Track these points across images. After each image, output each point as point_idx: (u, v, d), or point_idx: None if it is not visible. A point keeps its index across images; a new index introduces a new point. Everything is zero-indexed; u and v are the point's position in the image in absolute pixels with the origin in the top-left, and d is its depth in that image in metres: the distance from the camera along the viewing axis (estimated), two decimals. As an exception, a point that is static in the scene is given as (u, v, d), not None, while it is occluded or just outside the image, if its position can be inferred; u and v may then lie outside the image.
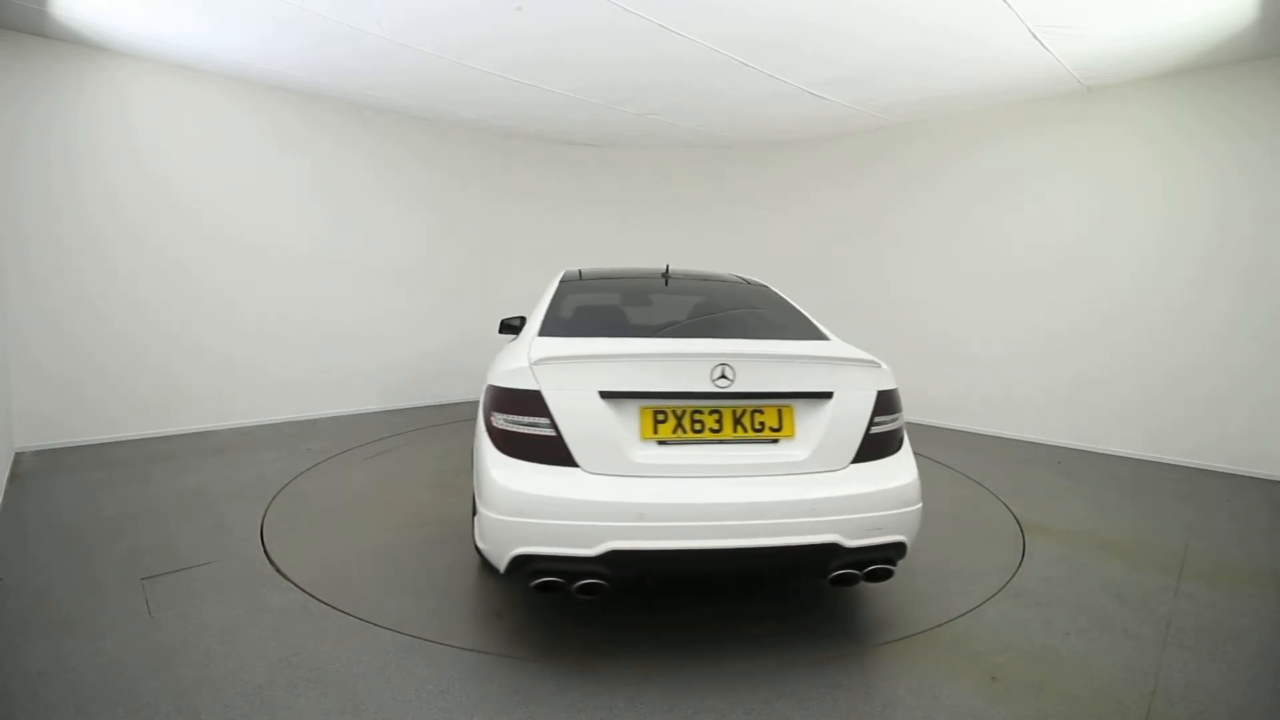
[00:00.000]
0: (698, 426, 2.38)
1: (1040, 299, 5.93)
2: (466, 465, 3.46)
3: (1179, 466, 5.19)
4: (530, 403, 2.34)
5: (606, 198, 8.27)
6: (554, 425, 2.31)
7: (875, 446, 2.47)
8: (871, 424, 2.46)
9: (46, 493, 4.12)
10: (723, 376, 2.34)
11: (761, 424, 2.40)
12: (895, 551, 2.41)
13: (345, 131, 6.50)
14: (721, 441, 2.39)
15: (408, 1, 4.10)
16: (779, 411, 2.42)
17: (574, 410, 2.32)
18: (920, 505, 2.47)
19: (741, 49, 4.74)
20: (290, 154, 6.19)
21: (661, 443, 2.36)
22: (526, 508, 2.24)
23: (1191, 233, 5.16)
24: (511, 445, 2.36)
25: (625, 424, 2.34)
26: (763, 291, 3.43)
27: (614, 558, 2.19)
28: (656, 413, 2.37)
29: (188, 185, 5.63)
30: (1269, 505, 4.35)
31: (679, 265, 3.75)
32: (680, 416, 2.38)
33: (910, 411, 6.80)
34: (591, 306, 3.21)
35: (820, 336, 2.90)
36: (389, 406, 6.90)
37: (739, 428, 2.39)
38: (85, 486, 4.25)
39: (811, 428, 2.41)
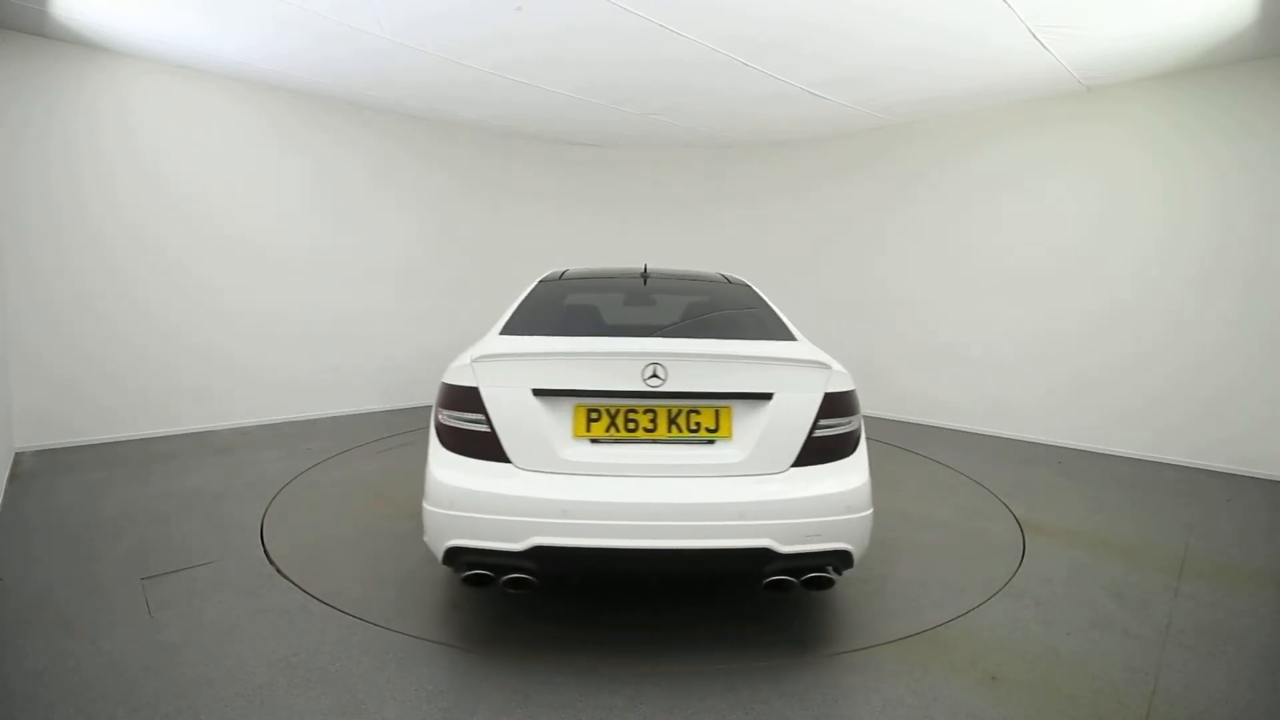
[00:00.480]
0: (631, 426, 2.37)
1: (1041, 299, 5.93)
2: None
3: (1179, 466, 5.19)
4: (469, 399, 2.39)
5: (606, 198, 8.28)
6: (489, 422, 2.36)
7: (820, 450, 2.39)
8: (815, 427, 2.38)
9: (47, 492, 4.12)
10: (654, 376, 2.33)
11: (697, 424, 2.38)
12: (837, 560, 2.32)
13: (345, 131, 6.50)
14: (655, 441, 2.37)
15: (407, 1, 4.10)
16: (716, 412, 2.38)
17: (508, 407, 2.36)
18: (869, 512, 2.39)
19: (742, 49, 4.74)
20: (290, 154, 6.19)
21: (594, 441, 2.37)
22: (459, 501, 2.29)
23: (1192, 233, 5.16)
24: (452, 441, 2.42)
25: (558, 421, 2.36)
26: (742, 291, 3.36)
27: (539, 553, 2.22)
28: (590, 411, 2.37)
29: (188, 185, 5.63)
30: (1269, 505, 4.35)
31: (671, 266, 3.75)
32: (614, 415, 2.38)
33: (911, 412, 6.88)
34: (561, 306, 3.21)
35: (788, 337, 2.83)
36: (389, 406, 6.90)
37: (674, 428, 2.37)
38: (85, 486, 4.25)
39: (750, 429, 2.36)
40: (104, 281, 5.30)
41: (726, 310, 3.17)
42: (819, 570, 2.31)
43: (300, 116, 6.20)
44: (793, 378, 2.42)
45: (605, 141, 7.82)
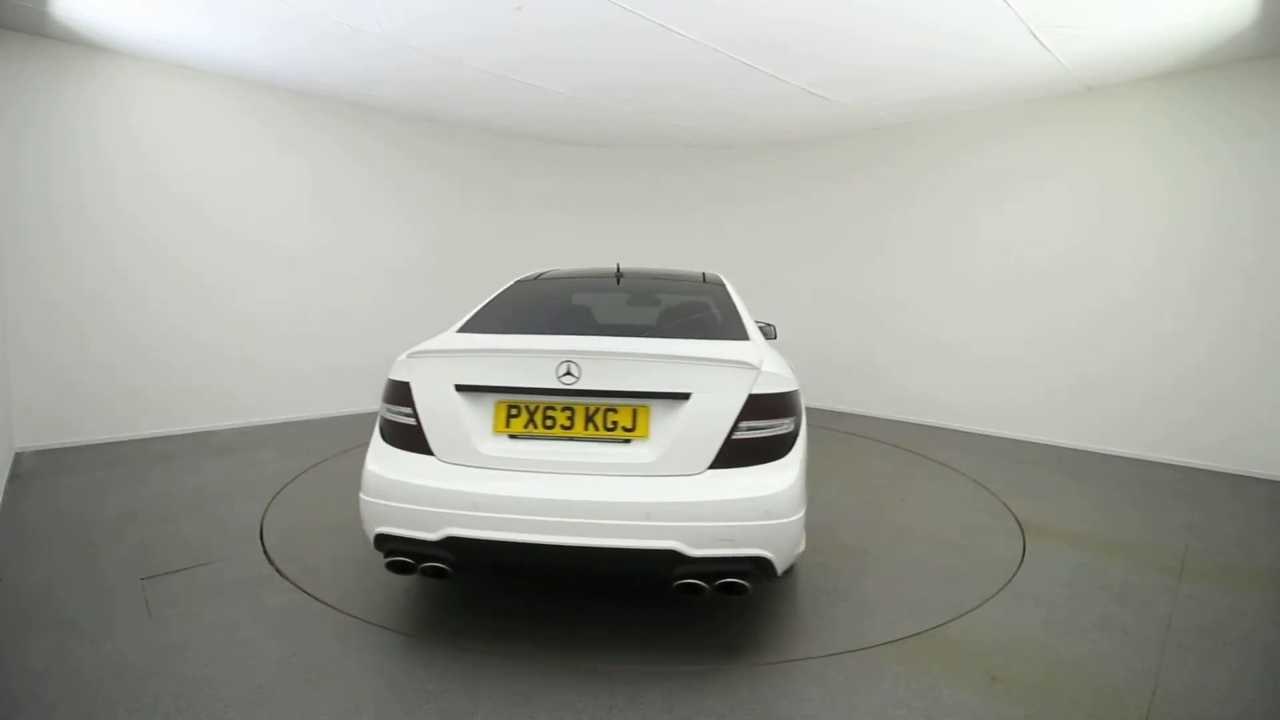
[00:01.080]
0: (549, 422, 2.40)
1: (1041, 300, 5.93)
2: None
3: (1180, 467, 5.19)
4: (401, 393, 2.49)
5: (606, 197, 8.28)
6: (415, 415, 2.45)
7: (742, 452, 2.32)
8: (735, 428, 2.31)
9: (47, 492, 4.12)
10: (568, 374, 2.34)
11: (614, 423, 2.37)
12: (753, 566, 2.24)
13: (346, 131, 6.51)
14: (572, 439, 2.39)
15: (407, 1, 4.10)
16: (634, 411, 2.37)
17: (433, 401, 2.43)
18: (793, 519, 2.28)
19: (742, 49, 4.74)
20: (290, 154, 6.20)
21: (513, 436, 2.41)
22: (385, 491, 2.37)
23: (1192, 233, 5.16)
24: (389, 433, 2.53)
25: (480, 416, 2.42)
26: (712, 290, 3.34)
27: (452, 543, 2.27)
28: (510, 407, 2.42)
29: (188, 184, 5.64)
30: (1270, 505, 4.35)
31: (653, 266, 3.83)
32: (533, 412, 2.41)
33: (912, 412, 6.87)
34: (525, 306, 3.25)
35: (740, 337, 2.79)
36: (389, 406, 6.89)
37: (591, 426, 2.38)
38: (85, 486, 4.25)
39: (667, 430, 2.33)
40: (104, 281, 5.30)
41: (693, 308, 3.19)
42: (733, 576, 2.22)
43: (300, 116, 6.20)
44: (713, 378, 2.37)
45: (605, 141, 7.82)
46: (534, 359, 2.40)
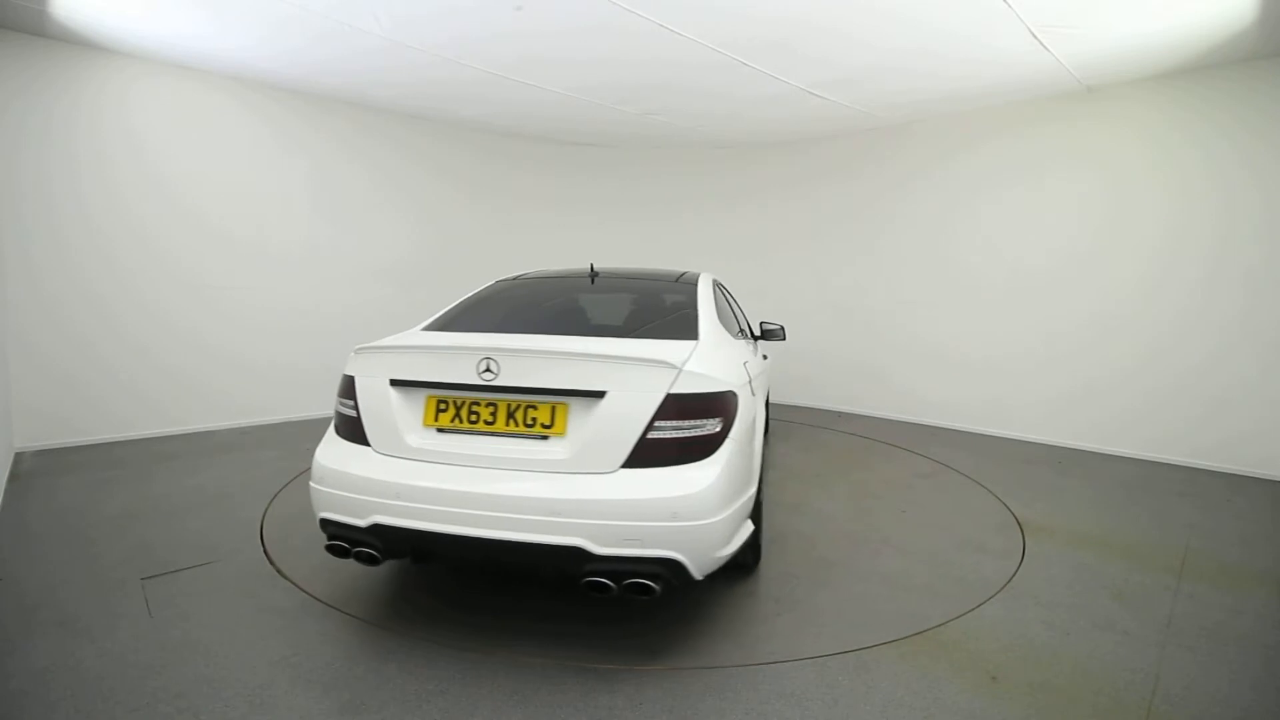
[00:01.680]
0: (473, 417, 2.46)
1: (1043, 300, 5.93)
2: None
3: (1180, 467, 5.19)
4: (347, 387, 2.66)
5: (606, 197, 8.28)
6: (357, 408, 2.59)
7: (657, 452, 2.29)
8: (650, 428, 2.29)
9: (47, 492, 4.12)
10: (487, 370, 2.40)
11: (534, 419, 2.41)
12: (662, 568, 2.20)
13: (345, 130, 6.51)
14: (494, 434, 2.44)
15: (407, 1, 4.10)
16: (553, 409, 2.40)
17: (371, 395, 2.57)
18: (709, 521, 2.24)
19: (742, 49, 4.74)
20: (289, 153, 6.20)
21: (441, 430, 2.49)
22: (327, 478, 2.50)
23: (1194, 233, 5.16)
24: (338, 424, 2.71)
25: (411, 410, 2.52)
26: (681, 290, 3.36)
27: (378, 531, 2.37)
28: (439, 402, 2.50)
29: (189, 184, 5.64)
30: (1271, 505, 4.34)
31: (654, 266, 3.97)
32: (460, 407, 2.48)
33: (913, 412, 6.87)
34: (495, 306, 3.34)
35: (687, 337, 2.79)
36: (389, 406, 6.89)
37: (511, 421, 2.43)
38: (85, 486, 4.25)
39: (582, 427, 2.34)
40: (104, 281, 5.30)
41: (649, 309, 3.22)
42: (642, 577, 2.20)
43: (299, 115, 6.20)
44: (630, 376, 2.36)
45: (604, 141, 7.81)
46: (458, 356, 2.47)
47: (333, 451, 2.59)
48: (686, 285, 3.40)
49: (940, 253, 6.58)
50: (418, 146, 7.03)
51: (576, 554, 2.20)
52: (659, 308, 3.25)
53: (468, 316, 3.19)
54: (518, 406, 2.43)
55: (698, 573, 2.27)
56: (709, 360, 2.55)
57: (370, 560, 2.43)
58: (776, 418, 6.61)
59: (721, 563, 2.38)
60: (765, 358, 5.12)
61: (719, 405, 2.41)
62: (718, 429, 2.38)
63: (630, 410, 2.32)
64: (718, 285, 4.03)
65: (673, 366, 2.35)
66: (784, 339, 4.92)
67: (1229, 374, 5.04)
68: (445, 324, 3.11)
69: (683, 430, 2.32)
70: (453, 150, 7.31)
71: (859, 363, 7.18)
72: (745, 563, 3.06)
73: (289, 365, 6.27)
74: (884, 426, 6.55)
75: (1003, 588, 3.05)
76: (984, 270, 6.28)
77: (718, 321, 3.14)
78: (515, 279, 3.74)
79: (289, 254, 6.24)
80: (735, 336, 3.58)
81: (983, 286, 6.30)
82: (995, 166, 6.17)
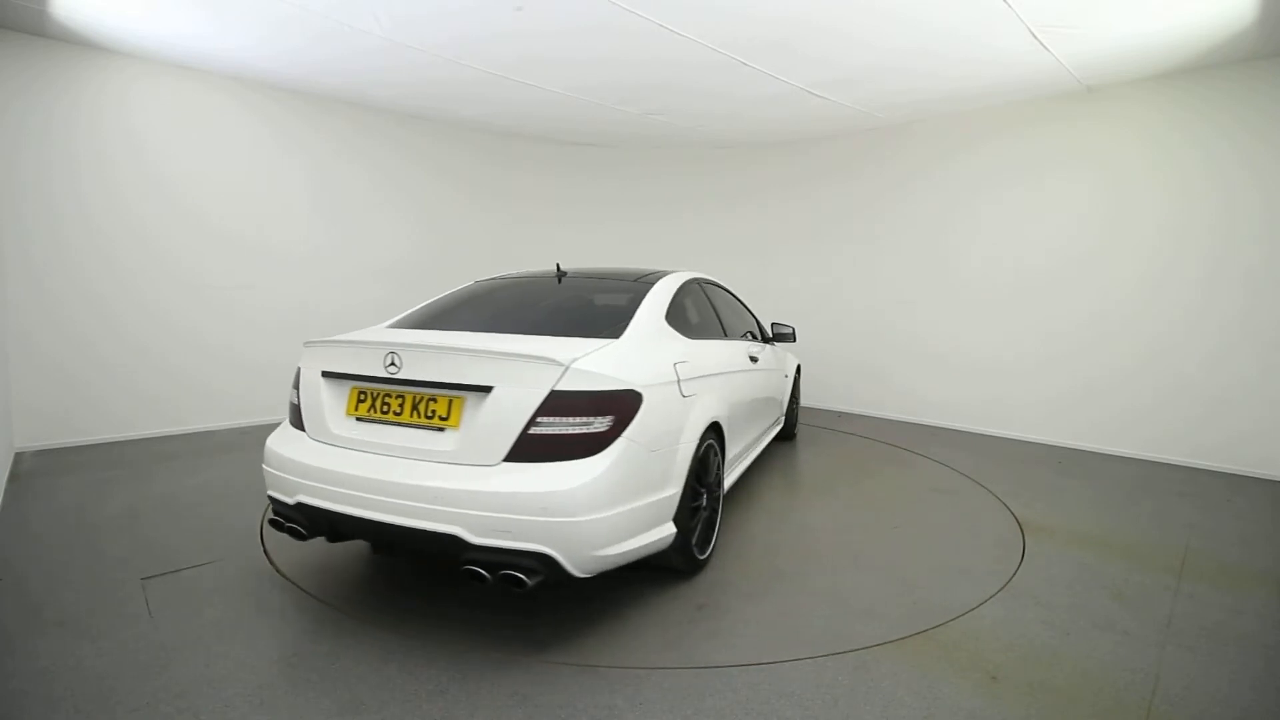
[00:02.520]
0: (385, 408, 2.62)
1: (1044, 300, 5.93)
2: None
3: (1180, 466, 5.19)
4: (296, 377, 2.91)
5: (605, 197, 8.28)
6: (299, 397, 2.84)
7: (539, 447, 2.35)
8: (532, 423, 2.35)
9: (46, 492, 4.12)
10: (392, 364, 2.57)
11: (434, 412, 2.53)
12: (535, 562, 2.26)
13: (345, 130, 6.51)
14: (400, 424, 2.58)
15: (407, 1, 4.10)
16: (450, 401, 2.50)
17: (308, 386, 2.80)
18: (584, 519, 2.28)
19: (742, 49, 4.74)
20: (289, 153, 6.20)
21: (359, 419, 2.66)
22: (271, 460, 2.74)
23: (1194, 234, 5.15)
24: (289, 412, 2.94)
25: (337, 400, 2.73)
26: (633, 289, 3.38)
27: (301, 509, 2.59)
28: (360, 393, 2.69)
29: (189, 183, 5.64)
30: (1271, 505, 4.34)
31: (639, 266, 4.00)
32: (375, 398, 2.65)
33: (913, 412, 6.86)
34: (460, 304, 3.50)
35: (611, 336, 2.85)
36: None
37: (415, 413, 2.56)
38: (85, 486, 4.25)
39: (472, 420, 2.43)
40: (105, 280, 5.30)
41: (590, 308, 3.31)
42: (515, 569, 2.26)
43: (299, 115, 6.20)
44: (515, 372, 2.42)
45: (605, 141, 7.82)
46: (371, 350, 2.64)
47: (279, 436, 2.85)
48: (641, 285, 3.41)
49: (940, 253, 6.58)
50: (418, 146, 7.03)
51: (454, 542, 2.29)
52: (601, 306, 3.30)
53: (429, 314, 3.37)
54: (421, 399, 2.55)
55: (576, 570, 2.32)
56: (616, 359, 2.60)
57: (298, 535, 2.63)
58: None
59: (613, 563, 2.44)
60: (796, 365, 5.76)
61: (610, 404, 2.43)
62: (606, 427, 2.40)
63: (514, 405, 2.38)
64: (701, 285, 4.04)
65: (558, 364, 2.39)
66: (794, 340, 5.14)
67: (1229, 374, 5.04)
68: (408, 321, 3.29)
69: (566, 427, 2.37)
70: (453, 150, 7.31)
71: (859, 362, 7.18)
72: (675, 567, 2.99)
73: (289, 365, 6.19)
74: (884, 427, 6.55)
75: (1003, 588, 3.05)
76: (984, 270, 6.28)
77: (661, 322, 3.16)
78: (491, 279, 3.89)
79: (289, 254, 6.24)
80: (706, 337, 3.62)
81: (983, 286, 6.30)
82: (995, 166, 6.17)
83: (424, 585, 2.98)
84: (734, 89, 5.61)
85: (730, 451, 3.54)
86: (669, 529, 2.70)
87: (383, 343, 2.64)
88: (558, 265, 3.76)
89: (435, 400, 2.52)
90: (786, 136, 7.34)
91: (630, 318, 3.03)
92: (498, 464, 2.37)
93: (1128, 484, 4.75)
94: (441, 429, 2.49)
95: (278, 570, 3.11)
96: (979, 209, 6.30)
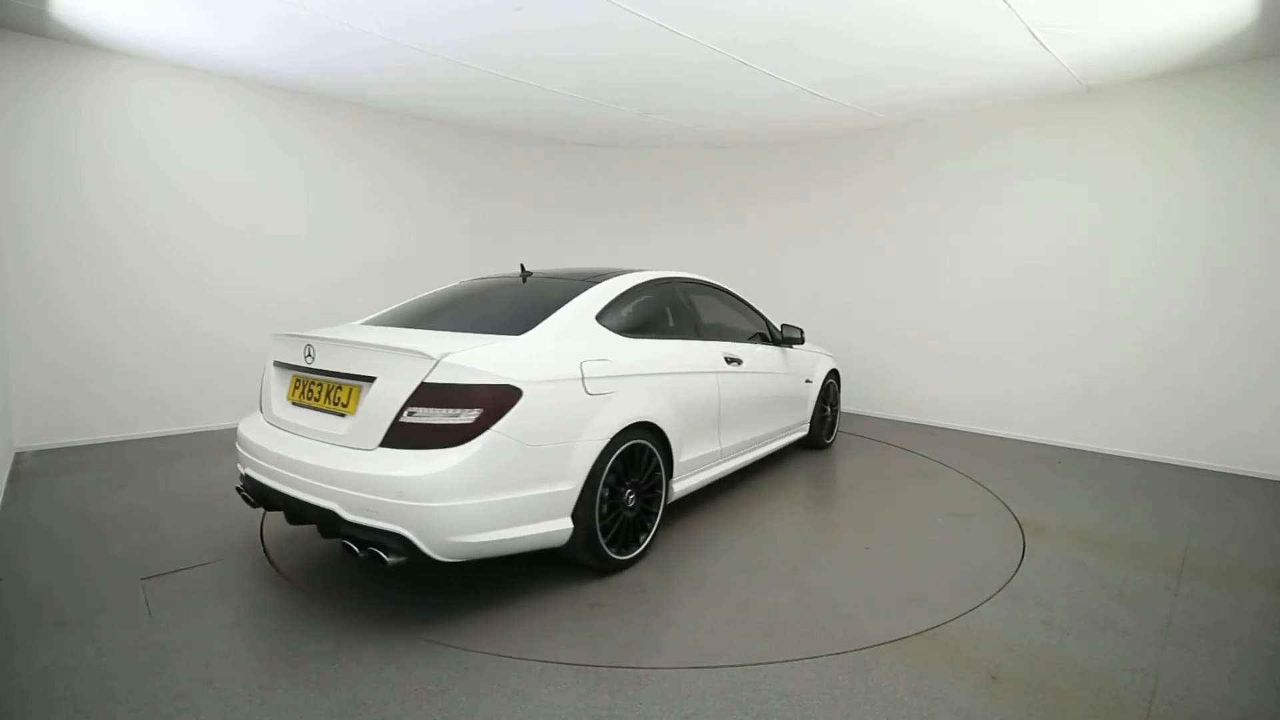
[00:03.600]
0: (310, 395, 2.91)
1: (1044, 301, 5.93)
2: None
3: (1180, 467, 5.19)
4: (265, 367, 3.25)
5: (606, 197, 8.28)
6: (262, 384, 3.21)
7: (410, 435, 2.51)
8: (404, 412, 2.52)
9: (46, 492, 4.12)
10: (309, 355, 2.90)
11: (339, 399, 2.78)
12: (395, 542, 2.42)
13: (345, 130, 6.51)
14: (317, 409, 2.86)
15: (407, 1, 4.10)
16: (350, 390, 2.75)
17: (266, 373, 3.20)
18: (439, 505, 2.40)
19: (742, 49, 4.74)
20: (289, 152, 6.20)
21: (294, 404, 2.97)
22: (238, 438, 3.11)
23: (1195, 234, 5.15)
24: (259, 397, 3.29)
25: (281, 386, 3.09)
26: (574, 290, 3.44)
27: (247, 480, 2.97)
28: (296, 380, 3.01)
29: (189, 183, 5.64)
30: (1271, 505, 4.34)
31: (640, 266, 4.10)
32: (305, 385, 2.96)
33: (912, 412, 6.87)
34: (429, 303, 3.72)
35: (512, 333, 2.97)
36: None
37: (328, 399, 2.83)
38: (85, 486, 4.25)
39: (360, 407, 2.67)
40: (105, 280, 5.31)
41: (521, 307, 3.37)
42: (377, 547, 2.47)
43: (299, 115, 6.21)
44: (394, 365, 2.63)
45: (605, 141, 7.82)
46: (299, 343, 2.96)
47: (248, 417, 3.24)
48: (582, 286, 3.47)
49: (939, 252, 6.58)
50: (417, 146, 7.03)
51: (332, 517, 2.52)
52: (532, 305, 3.33)
53: (397, 312, 3.65)
54: (333, 388, 2.82)
55: (434, 553, 2.45)
56: (499, 356, 2.71)
57: (248, 503, 2.98)
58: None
59: (483, 551, 2.57)
60: (829, 370, 5.52)
61: (478, 397, 2.54)
62: (473, 420, 2.51)
63: (390, 395, 2.58)
64: (680, 285, 4.02)
65: (429, 358, 2.55)
66: (802, 342, 5.04)
67: (1230, 374, 5.04)
68: (379, 319, 3.57)
69: (435, 417, 2.51)
70: (452, 150, 7.31)
71: (859, 362, 7.18)
72: (585, 563, 3.03)
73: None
74: (884, 427, 6.55)
75: (1003, 588, 3.05)
76: (984, 270, 6.28)
77: (587, 321, 3.22)
78: (470, 280, 4.14)
79: (289, 253, 6.24)
80: (665, 337, 3.65)
81: (983, 286, 6.29)
82: (995, 167, 6.17)
83: (424, 586, 2.98)
84: (734, 89, 5.61)
85: (685, 455, 3.54)
86: (563, 524, 2.78)
87: (305, 336, 2.94)
88: (522, 266, 3.99)
89: (341, 389, 2.78)
90: (786, 136, 7.34)
91: (548, 316, 3.13)
92: (374, 448, 2.56)
93: (1128, 484, 4.75)
94: (342, 415, 2.73)
95: (278, 570, 3.11)
96: (979, 209, 6.29)
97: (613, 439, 2.96)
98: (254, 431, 2.99)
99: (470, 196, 7.51)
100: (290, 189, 6.24)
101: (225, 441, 5.44)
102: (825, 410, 5.54)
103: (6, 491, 4.08)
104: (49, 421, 5.11)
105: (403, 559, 2.45)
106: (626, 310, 3.50)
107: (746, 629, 2.66)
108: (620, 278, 3.65)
